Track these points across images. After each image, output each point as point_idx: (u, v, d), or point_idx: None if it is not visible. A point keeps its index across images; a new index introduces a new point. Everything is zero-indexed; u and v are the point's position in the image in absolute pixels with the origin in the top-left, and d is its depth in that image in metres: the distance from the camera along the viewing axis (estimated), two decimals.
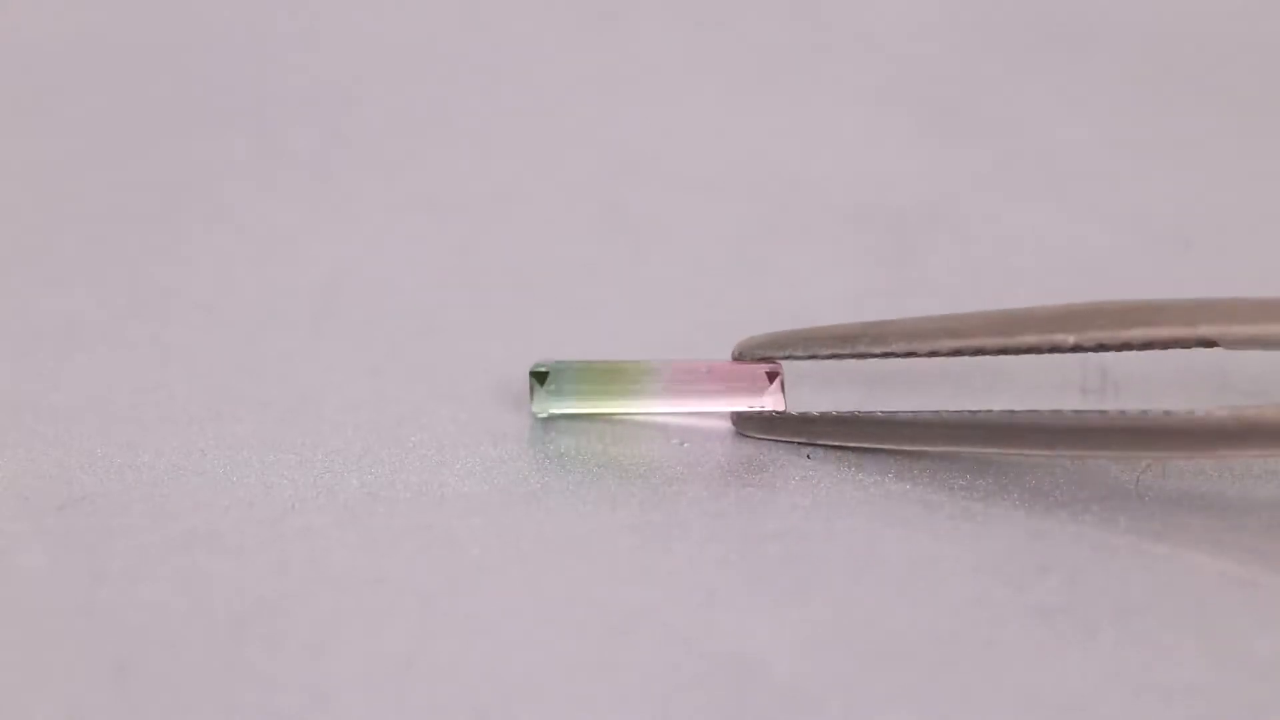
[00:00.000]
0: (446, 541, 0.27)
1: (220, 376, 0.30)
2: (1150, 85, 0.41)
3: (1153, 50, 0.42)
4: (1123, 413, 0.26)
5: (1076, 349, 0.27)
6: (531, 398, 0.29)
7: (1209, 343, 0.26)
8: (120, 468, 0.28)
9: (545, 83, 0.41)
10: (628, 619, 0.25)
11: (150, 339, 0.31)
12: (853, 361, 0.29)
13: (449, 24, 0.43)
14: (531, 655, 0.25)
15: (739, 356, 0.29)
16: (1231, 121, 0.39)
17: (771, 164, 0.37)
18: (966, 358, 0.28)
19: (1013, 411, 0.27)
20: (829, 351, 0.28)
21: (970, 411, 0.27)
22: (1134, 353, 0.27)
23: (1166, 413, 0.25)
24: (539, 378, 0.29)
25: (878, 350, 0.28)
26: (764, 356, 0.29)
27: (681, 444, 0.29)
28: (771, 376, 0.29)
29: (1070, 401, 0.29)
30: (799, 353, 0.29)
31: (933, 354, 0.28)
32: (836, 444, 0.28)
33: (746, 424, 0.29)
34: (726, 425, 0.29)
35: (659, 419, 0.29)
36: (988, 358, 0.27)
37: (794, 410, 0.29)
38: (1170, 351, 0.27)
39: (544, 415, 0.29)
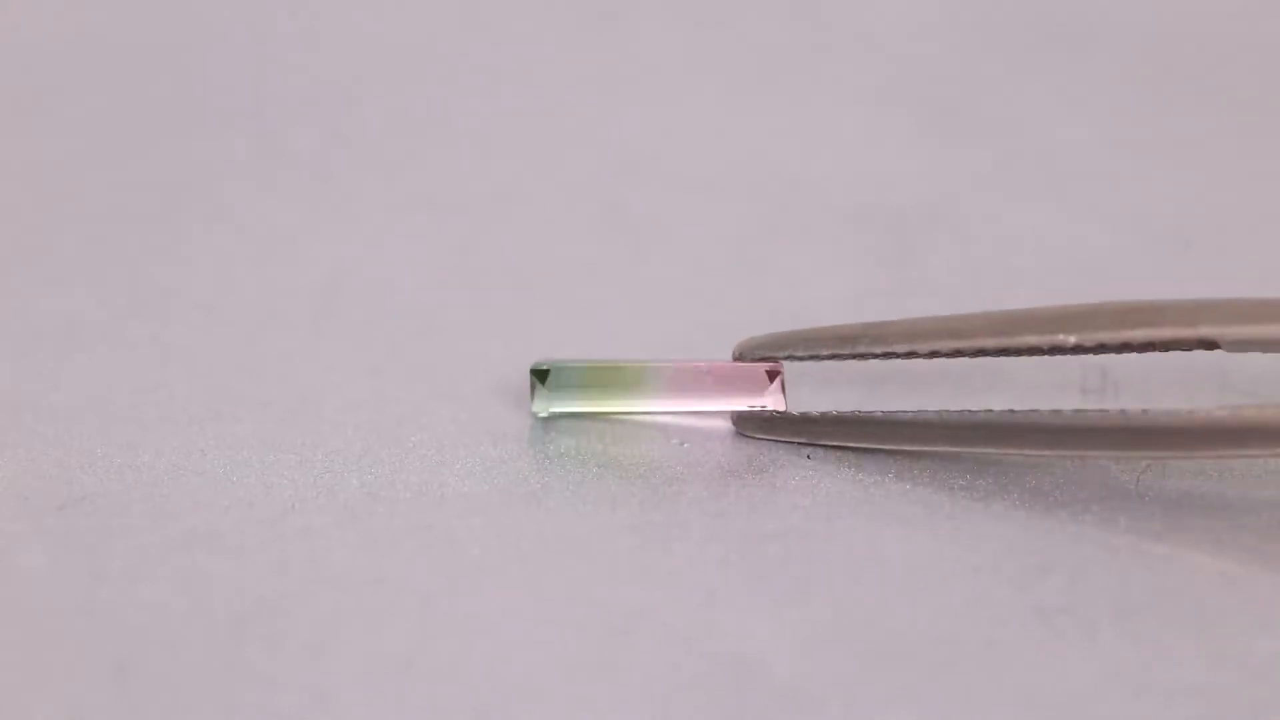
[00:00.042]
0: (446, 541, 0.27)
1: (220, 376, 0.30)
2: (1150, 85, 0.41)
3: (1153, 50, 0.42)
4: (1123, 412, 0.26)
5: (1077, 349, 0.27)
6: (532, 396, 0.29)
7: (1210, 343, 0.26)
8: (120, 468, 0.28)
9: (545, 83, 0.41)
10: (628, 619, 0.25)
11: (150, 339, 0.31)
12: (853, 362, 0.29)
13: (449, 24, 0.43)
14: (531, 655, 0.25)
15: (739, 357, 0.29)
16: (1231, 121, 0.39)
17: (771, 164, 0.37)
18: (967, 358, 0.28)
19: (1013, 411, 0.27)
20: (829, 352, 0.28)
21: (970, 411, 0.27)
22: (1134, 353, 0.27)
23: (1167, 412, 0.25)
24: (539, 376, 0.29)
25: (878, 350, 0.28)
26: (764, 357, 0.29)
27: (681, 444, 0.29)
28: (772, 376, 0.29)
29: (1070, 401, 0.29)
30: (799, 353, 0.29)
31: (933, 354, 0.28)
32: (836, 444, 0.28)
33: (746, 424, 0.29)
34: (726, 425, 0.29)
35: (659, 419, 0.29)
36: (988, 358, 0.27)
37: (794, 410, 0.29)
38: (1170, 352, 0.27)
39: (544, 414, 0.29)
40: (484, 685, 0.24)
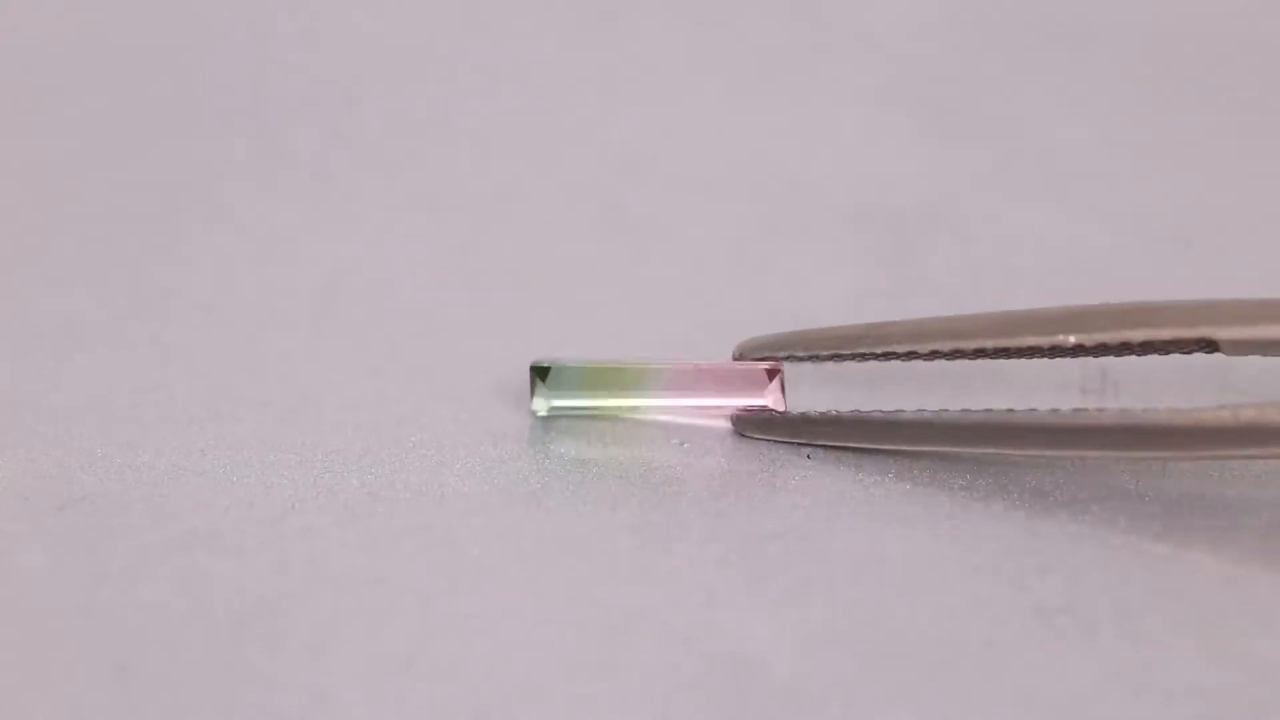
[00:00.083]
0: (446, 541, 0.27)
1: (220, 376, 0.30)
2: (1150, 85, 0.41)
3: (1153, 50, 0.42)
4: (1123, 412, 0.26)
5: (1077, 350, 0.27)
6: (531, 394, 0.29)
7: (1209, 344, 0.26)
8: (120, 468, 0.28)
9: (545, 83, 0.41)
10: (628, 619, 0.25)
11: (150, 339, 0.31)
12: (852, 363, 0.29)
13: (449, 24, 0.43)
14: (531, 655, 0.25)
15: (739, 357, 0.29)
16: (1231, 121, 0.39)
17: (771, 164, 0.37)
18: (966, 359, 0.28)
19: (1012, 411, 0.27)
20: (829, 352, 0.28)
21: (970, 411, 0.27)
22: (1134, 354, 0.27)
23: (1167, 412, 0.25)
24: (539, 374, 0.29)
25: (879, 350, 0.28)
26: (764, 357, 0.29)
27: (681, 444, 0.29)
28: (771, 375, 0.29)
29: (1070, 401, 0.29)
30: (799, 353, 0.29)
31: (933, 354, 0.27)
32: (836, 444, 0.28)
33: (746, 425, 0.29)
34: (726, 425, 0.29)
35: (659, 419, 0.29)
36: (987, 359, 0.27)
37: (794, 410, 0.29)
38: (1170, 355, 0.27)
39: (543, 413, 0.29)
40: (484, 685, 0.24)
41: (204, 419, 0.29)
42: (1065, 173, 0.37)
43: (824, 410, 0.28)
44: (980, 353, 0.27)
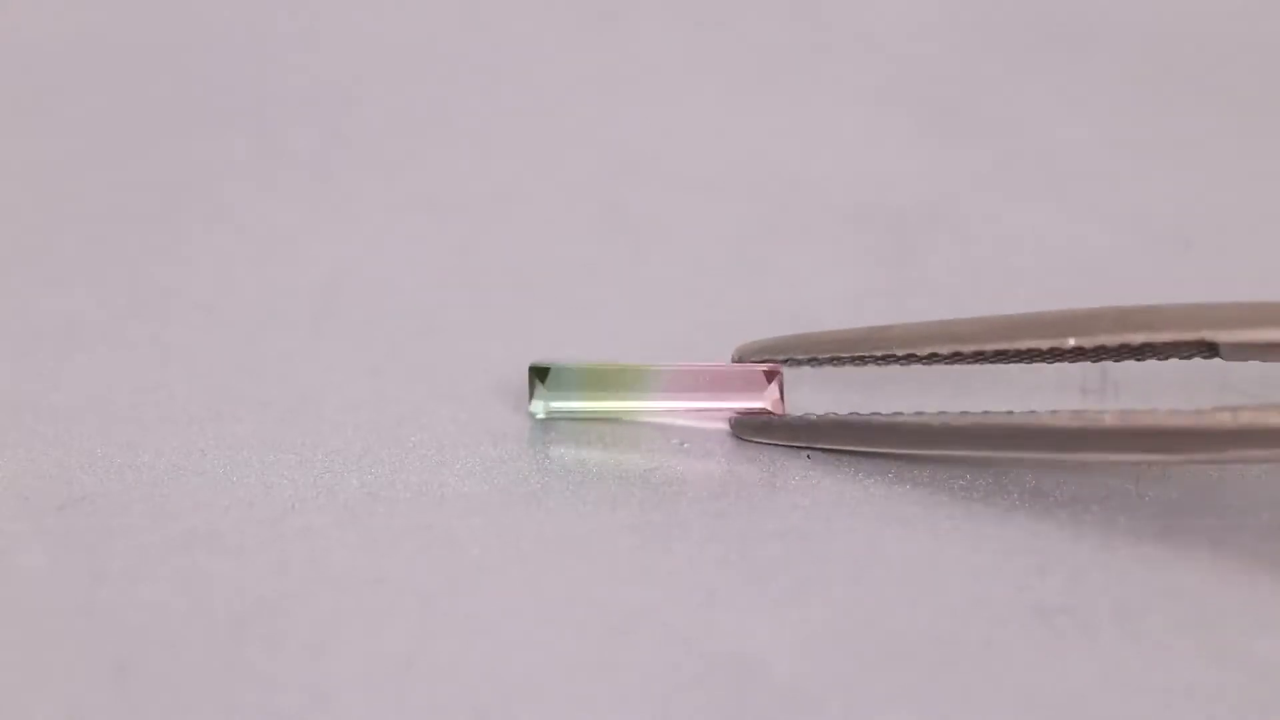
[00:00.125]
0: (446, 541, 0.27)
1: (220, 376, 0.30)
2: (1150, 85, 0.41)
3: (1153, 50, 0.42)
4: (1123, 414, 0.26)
5: (1077, 353, 0.27)
6: (531, 395, 0.29)
7: (1209, 346, 0.26)
8: (120, 468, 0.28)
9: (545, 83, 0.41)
10: (628, 619, 0.25)
11: (150, 339, 0.31)
12: (851, 366, 0.28)
13: (449, 24, 0.43)
14: (531, 655, 0.25)
15: (739, 361, 0.29)
16: (1231, 121, 0.39)
17: (771, 164, 0.37)
18: (966, 363, 0.28)
19: (1012, 413, 0.27)
20: (829, 356, 0.28)
21: (969, 413, 0.27)
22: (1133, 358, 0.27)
23: (1168, 414, 0.25)
24: (539, 374, 0.29)
25: (879, 354, 0.28)
26: (764, 360, 0.29)
27: (681, 444, 0.29)
28: (770, 377, 0.29)
29: (1070, 401, 0.29)
30: (799, 357, 0.28)
31: (932, 357, 0.27)
32: (835, 448, 0.28)
33: (744, 429, 0.29)
34: (727, 426, 0.29)
35: (659, 420, 0.29)
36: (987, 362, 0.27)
37: (793, 413, 0.29)
38: (1169, 360, 0.27)
39: (541, 415, 0.29)
40: (484, 685, 0.24)
41: (204, 419, 0.29)
42: (1065, 173, 0.37)
43: (822, 413, 0.28)
44: (980, 356, 0.27)
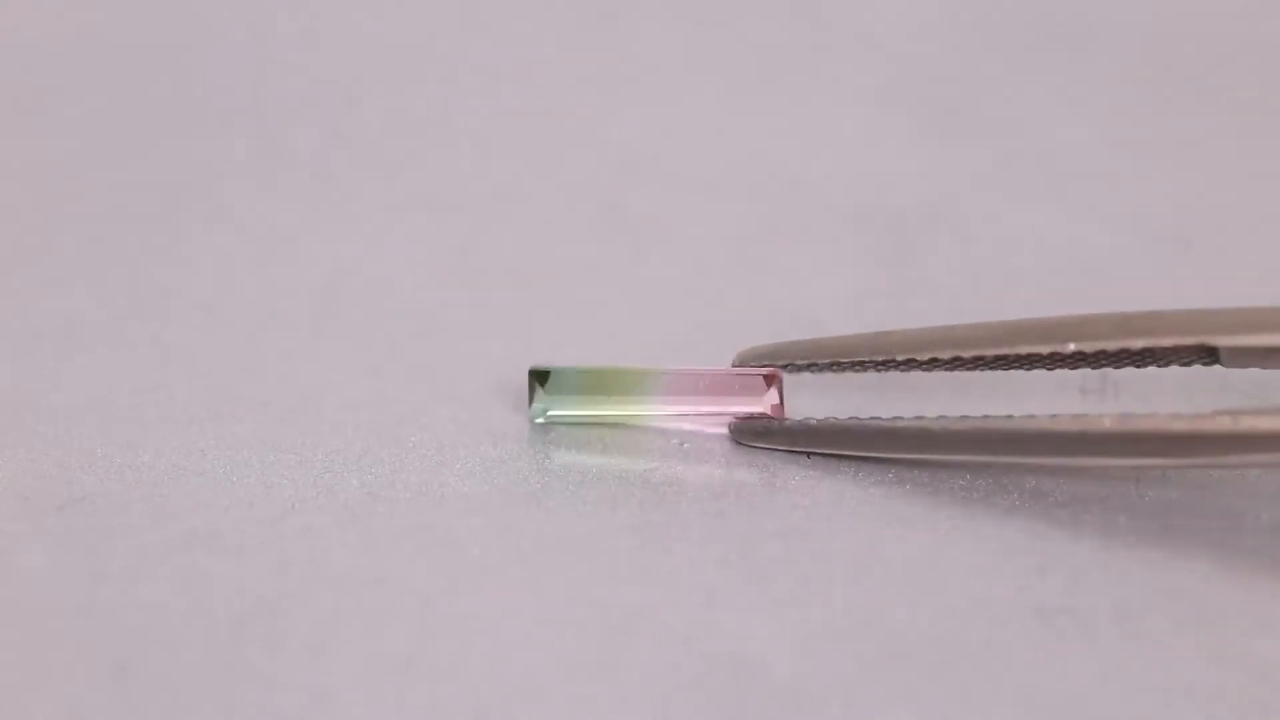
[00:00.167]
0: (446, 541, 0.27)
1: (220, 376, 0.30)
2: (1150, 85, 0.41)
3: (1153, 50, 0.42)
4: (1122, 418, 0.26)
5: (1077, 357, 0.27)
6: (530, 399, 0.29)
7: (1210, 351, 0.26)
8: (120, 468, 0.28)
9: (545, 83, 0.41)
10: (628, 619, 0.25)
11: (150, 339, 0.31)
12: (852, 372, 0.28)
13: (449, 24, 0.43)
14: (531, 655, 0.25)
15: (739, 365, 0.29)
16: (1231, 121, 0.39)
17: (771, 164, 0.37)
18: (966, 369, 0.28)
19: (1012, 417, 0.27)
20: (829, 361, 0.28)
21: (968, 417, 0.27)
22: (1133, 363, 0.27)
23: (1167, 417, 0.25)
24: (539, 377, 0.29)
25: (879, 359, 0.28)
26: (763, 365, 0.29)
27: (681, 444, 0.29)
28: (769, 380, 0.29)
29: (1070, 403, 0.29)
30: (799, 362, 0.28)
31: (932, 363, 0.27)
32: (834, 453, 0.28)
33: (743, 434, 0.29)
34: (727, 431, 0.29)
35: (658, 420, 0.29)
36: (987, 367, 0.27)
37: (792, 418, 0.29)
38: (1169, 365, 0.27)
39: (540, 419, 0.29)
40: (484, 685, 0.24)
41: (204, 419, 0.29)
42: (1065, 173, 0.37)
43: (822, 418, 0.28)
44: (980, 361, 0.27)
